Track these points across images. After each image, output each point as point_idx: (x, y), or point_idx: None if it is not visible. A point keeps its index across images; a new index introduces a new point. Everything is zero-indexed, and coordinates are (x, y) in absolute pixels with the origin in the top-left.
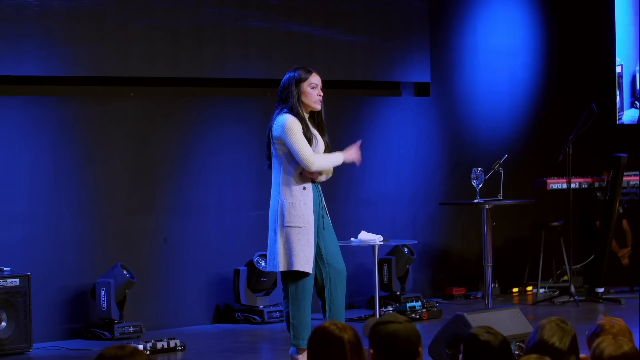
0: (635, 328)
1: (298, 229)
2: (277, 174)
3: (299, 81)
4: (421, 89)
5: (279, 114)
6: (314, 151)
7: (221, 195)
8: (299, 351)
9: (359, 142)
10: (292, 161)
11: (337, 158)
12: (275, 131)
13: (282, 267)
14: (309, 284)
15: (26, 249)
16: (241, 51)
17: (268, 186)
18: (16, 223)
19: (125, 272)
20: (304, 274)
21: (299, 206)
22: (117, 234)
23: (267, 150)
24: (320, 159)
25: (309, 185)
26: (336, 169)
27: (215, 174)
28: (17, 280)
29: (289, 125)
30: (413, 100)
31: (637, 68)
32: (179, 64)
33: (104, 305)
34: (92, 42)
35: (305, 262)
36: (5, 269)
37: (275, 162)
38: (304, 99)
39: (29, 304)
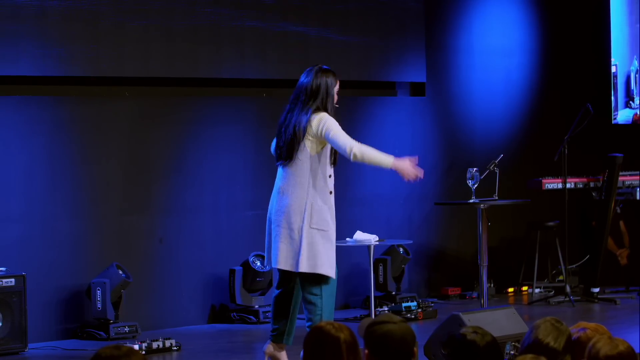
0: (634, 327)
1: (324, 232)
2: (303, 173)
3: (332, 86)
4: (416, 89)
5: (312, 111)
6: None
7: (216, 195)
8: None
9: (415, 158)
10: (324, 163)
11: (385, 160)
12: (317, 127)
13: (304, 268)
14: (332, 287)
15: (21, 248)
16: (236, 51)
17: (263, 186)
18: (11, 223)
19: (120, 272)
20: (328, 278)
21: (326, 210)
22: (112, 234)
23: (290, 147)
24: (367, 150)
25: (333, 190)
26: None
27: (210, 174)
28: (13, 280)
29: (332, 120)
30: (408, 100)
31: (632, 68)
32: (174, 64)
33: (99, 305)
34: (87, 42)
35: (329, 266)
36: (0, 268)
37: (303, 161)
38: (333, 103)
39: (24, 304)
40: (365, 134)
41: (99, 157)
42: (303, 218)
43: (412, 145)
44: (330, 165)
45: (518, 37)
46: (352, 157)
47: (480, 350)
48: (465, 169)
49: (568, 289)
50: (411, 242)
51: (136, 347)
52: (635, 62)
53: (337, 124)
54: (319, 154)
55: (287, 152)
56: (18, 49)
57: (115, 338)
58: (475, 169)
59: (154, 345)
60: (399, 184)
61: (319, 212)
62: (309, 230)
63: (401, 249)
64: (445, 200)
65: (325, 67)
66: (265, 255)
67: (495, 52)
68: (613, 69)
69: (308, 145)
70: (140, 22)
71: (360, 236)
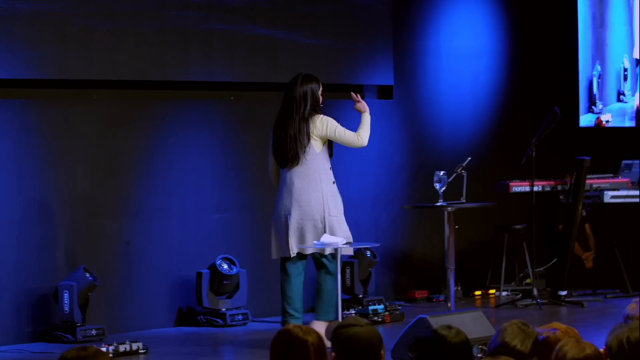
0: (602, 331)
1: (339, 218)
2: (314, 170)
3: (317, 90)
4: (384, 92)
5: (309, 117)
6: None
7: (184, 199)
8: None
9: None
10: (326, 158)
11: (367, 119)
12: (321, 127)
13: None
14: None
15: None
16: (204, 54)
17: (231, 189)
18: None
19: (88, 275)
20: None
21: (338, 197)
22: (80, 237)
23: (297, 154)
24: (364, 131)
25: (334, 180)
26: None
27: (178, 177)
28: None
29: (332, 119)
30: (376, 103)
31: (594, 73)
32: (143, 67)
33: (66, 308)
34: (55, 45)
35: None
36: None
37: (311, 161)
38: (320, 104)
39: None
40: None
41: (66, 160)
42: (323, 209)
43: (379, 148)
44: (329, 158)
45: (486, 40)
46: (361, 142)
47: (452, 346)
48: (432, 172)
49: (535, 292)
50: (378, 245)
51: (103, 350)
52: (598, 67)
53: (335, 121)
54: (323, 151)
55: (296, 158)
56: None
57: (83, 341)
58: (442, 172)
59: (121, 348)
60: (366, 186)
61: (335, 200)
62: (329, 218)
63: (368, 252)
64: (413, 203)
65: (307, 74)
66: (280, 247)
67: (463, 54)
68: None
69: (314, 145)
70: (108, 25)
71: (327, 239)
